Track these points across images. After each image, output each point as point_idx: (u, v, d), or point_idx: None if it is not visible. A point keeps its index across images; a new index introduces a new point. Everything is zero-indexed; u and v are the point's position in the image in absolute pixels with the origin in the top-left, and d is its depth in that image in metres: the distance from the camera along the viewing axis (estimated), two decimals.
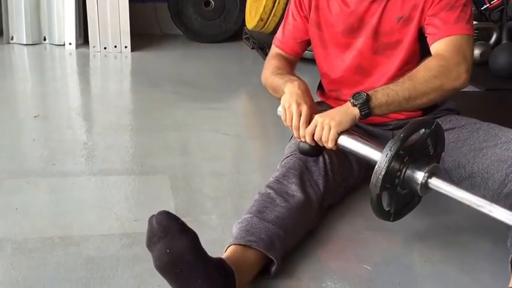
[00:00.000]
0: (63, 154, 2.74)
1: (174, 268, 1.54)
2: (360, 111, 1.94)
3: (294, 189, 2.00)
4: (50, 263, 1.84)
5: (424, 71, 2.00)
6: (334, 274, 1.88)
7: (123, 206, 2.27)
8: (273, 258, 1.78)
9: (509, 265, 1.75)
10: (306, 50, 2.48)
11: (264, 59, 2.47)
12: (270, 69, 2.32)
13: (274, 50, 2.48)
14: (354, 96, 1.95)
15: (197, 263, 1.56)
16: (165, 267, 1.56)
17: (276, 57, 2.41)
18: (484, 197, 1.76)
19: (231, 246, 1.77)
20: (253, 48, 5.57)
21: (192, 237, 1.59)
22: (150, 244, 1.58)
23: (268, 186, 2.02)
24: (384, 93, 1.96)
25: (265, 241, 1.79)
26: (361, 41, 2.26)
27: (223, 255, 1.73)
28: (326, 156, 2.14)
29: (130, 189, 2.44)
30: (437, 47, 2.08)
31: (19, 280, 1.74)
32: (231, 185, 2.53)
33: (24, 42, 5.24)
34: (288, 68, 2.34)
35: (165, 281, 1.72)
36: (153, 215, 1.59)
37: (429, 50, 2.11)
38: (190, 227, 1.62)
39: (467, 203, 1.74)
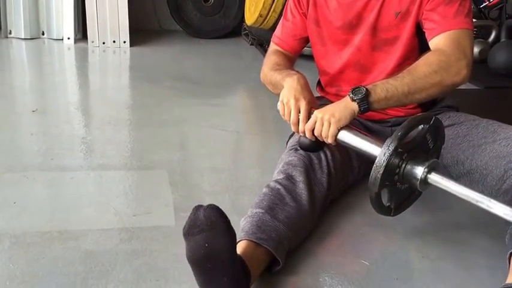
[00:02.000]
0: (62, 149, 2.74)
1: (207, 263, 1.54)
2: (359, 106, 1.93)
3: (301, 187, 2.00)
4: (48, 257, 1.84)
5: (424, 66, 1.99)
6: (332, 269, 1.89)
7: (121, 200, 2.27)
8: (279, 259, 1.78)
9: (507, 261, 1.76)
10: (304, 47, 2.48)
11: (263, 55, 2.47)
12: (269, 66, 2.32)
13: (273, 47, 2.48)
14: (353, 90, 1.95)
15: (229, 263, 1.56)
16: (198, 260, 1.55)
17: (275, 54, 2.41)
18: (482, 193, 1.76)
19: (242, 241, 1.77)
20: (252, 44, 5.57)
21: (232, 237, 1.58)
22: (189, 233, 1.56)
23: (278, 182, 2.01)
24: (383, 88, 1.95)
25: (275, 241, 1.79)
26: (360, 37, 2.25)
27: (237, 250, 1.71)
28: (328, 153, 2.14)
29: (128, 184, 2.43)
30: (436, 42, 2.07)
31: (17, 274, 1.74)
32: (230, 180, 2.53)
33: (23, 37, 5.23)
34: (287, 64, 2.34)
35: (163, 276, 1.74)
36: (200, 206, 1.58)
37: (427, 45, 2.11)
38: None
39: (467, 198, 1.74)
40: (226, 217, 1.58)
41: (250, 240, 1.76)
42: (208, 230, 1.53)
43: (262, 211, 1.87)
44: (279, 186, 1.99)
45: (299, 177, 2.03)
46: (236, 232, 1.78)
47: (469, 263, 1.96)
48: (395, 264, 1.94)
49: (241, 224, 1.86)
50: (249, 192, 2.32)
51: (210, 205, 1.58)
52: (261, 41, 5.34)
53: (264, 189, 2.00)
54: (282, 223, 1.85)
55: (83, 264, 1.81)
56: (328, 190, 2.12)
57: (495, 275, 1.86)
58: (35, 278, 1.73)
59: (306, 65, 2.99)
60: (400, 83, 1.96)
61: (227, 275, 1.55)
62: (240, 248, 1.74)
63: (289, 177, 2.03)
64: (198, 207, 1.58)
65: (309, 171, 2.07)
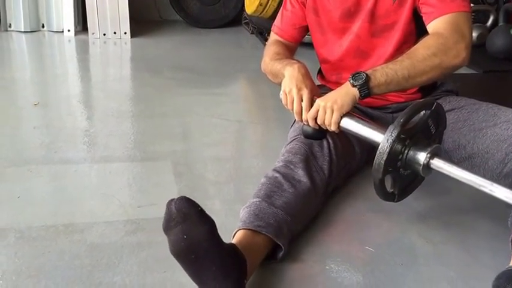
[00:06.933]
0: (65, 141, 2.74)
1: (190, 254, 1.54)
2: (360, 92, 1.94)
3: (300, 174, 2.01)
4: (54, 251, 1.84)
5: (423, 49, 1.99)
6: (337, 256, 1.89)
7: (126, 192, 2.28)
8: (280, 245, 1.79)
9: (510, 244, 1.76)
10: (305, 35, 2.48)
11: (264, 44, 2.47)
12: (269, 55, 2.33)
13: (273, 37, 2.49)
14: (353, 76, 1.95)
15: (213, 251, 1.55)
16: (181, 253, 1.55)
17: (275, 44, 2.41)
18: (484, 176, 1.76)
19: (240, 231, 1.77)
20: (252, 33, 5.57)
21: (210, 224, 1.58)
22: (167, 228, 1.56)
23: (276, 170, 2.02)
24: (383, 73, 1.95)
25: (274, 227, 1.79)
26: (358, 24, 2.26)
27: (233, 240, 1.73)
28: (330, 141, 2.15)
29: (132, 175, 2.44)
30: (434, 25, 2.06)
31: (23, 269, 1.75)
32: (233, 170, 2.54)
33: (23, 30, 5.23)
34: (287, 53, 2.35)
35: (170, 267, 1.74)
36: (172, 200, 1.57)
37: (425, 29, 2.10)
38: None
39: (469, 183, 1.75)
40: (197, 206, 1.57)
41: (248, 229, 1.77)
42: (183, 221, 1.53)
43: (259, 199, 1.88)
44: (276, 175, 1.99)
45: (298, 164, 2.03)
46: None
47: (472, 247, 1.97)
48: (400, 250, 1.95)
49: (240, 215, 1.87)
50: (253, 181, 2.32)
51: (180, 197, 1.57)
52: (261, 29, 5.34)
53: (262, 179, 2.00)
54: (280, 209, 1.85)
55: (89, 257, 1.81)
56: (330, 177, 2.12)
57: (498, 257, 1.87)
58: (41, 272, 1.73)
59: (306, 53, 2.99)
60: (400, 67, 1.96)
61: (214, 263, 1.54)
62: (236, 237, 1.75)
63: (288, 164, 2.04)
64: (170, 201, 1.57)
65: (309, 158, 2.08)
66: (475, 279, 1.80)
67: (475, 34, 4.94)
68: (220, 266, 1.55)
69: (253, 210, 1.84)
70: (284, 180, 1.97)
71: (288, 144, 2.19)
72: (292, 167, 2.03)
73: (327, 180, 2.10)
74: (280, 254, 1.81)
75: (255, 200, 1.89)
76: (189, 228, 1.53)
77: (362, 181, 2.34)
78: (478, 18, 5.29)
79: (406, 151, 1.81)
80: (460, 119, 2.17)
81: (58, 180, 2.38)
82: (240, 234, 1.77)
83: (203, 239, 1.54)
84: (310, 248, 1.92)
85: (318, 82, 2.47)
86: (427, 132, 1.89)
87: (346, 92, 1.96)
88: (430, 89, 2.33)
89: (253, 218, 1.80)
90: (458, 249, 1.96)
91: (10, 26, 5.26)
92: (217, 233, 1.60)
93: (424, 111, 1.86)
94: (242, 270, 1.61)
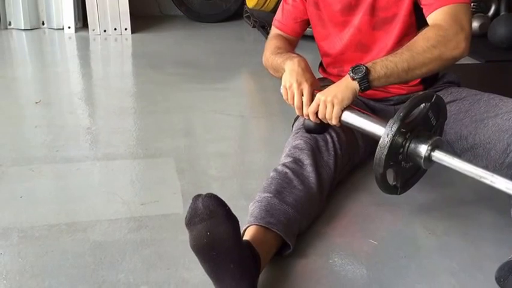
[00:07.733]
0: (67, 140, 2.74)
1: (211, 251, 1.53)
2: (360, 85, 1.94)
3: (309, 170, 2.00)
4: (57, 250, 1.84)
5: (423, 41, 1.98)
6: (341, 250, 1.89)
7: (128, 190, 2.27)
8: (289, 243, 1.79)
9: None
10: (305, 29, 2.49)
11: (265, 37, 2.47)
12: (270, 50, 2.33)
13: (274, 31, 2.49)
14: (353, 69, 1.95)
15: (234, 250, 1.55)
16: (202, 249, 1.54)
17: (276, 38, 2.42)
18: (486, 167, 1.77)
19: (252, 226, 1.77)
20: (254, 26, 5.56)
21: (234, 224, 1.57)
22: (190, 223, 1.55)
23: (285, 165, 2.01)
24: (382, 66, 1.95)
25: (284, 224, 1.79)
26: (359, 17, 2.25)
27: (246, 236, 1.73)
28: (334, 135, 2.14)
29: (135, 172, 2.44)
30: (434, 17, 2.05)
31: (27, 268, 1.75)
32: (236, 165, 2.54)
33: (23, 27, 5.21)
34: (288, 47, 2.35)
35: (173, 264, 1.75)
36: (199, 195, 1.57)
37: (425, 21, 2.10)
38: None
39: (470, 174, 1.75)
40: (225, 205, 1.57)
41: (260, 225, 1.76)
42: (208, 218, 1.53)
43: (270, 195, 1.87)
44: (286, 170, 1.99)
45: (306, 160, 2.03)
46: (244, 217, 1.79)
47: (475, 238, 1.97)
48: (403, 242, 1.95)
49: (249, 209, 1.86)
50: (257, 176, 2.33)
51: (208, 194, 1.57)
52: (262, 23, 5.33)
53: (272, 173, 1.99)
54: (290, 206, 1.85)
55: (92, 256, 1.81)
56: (335, 172, 2.12)
57: (501, 249, 1.87)
58: (44, 271, 1.74)
59: (308, 46, 2.98)
60: (400, 59, 1.96)
61: (233, 261, 1.54)
62: (249, 233, 1.74)
63: (297, 161, 2.03)
64: (197, 197, 1.57)
65: (315, 153, 2.07)
66: (478, 270, 1.80)
67: (476, 24, 4.95)
68: (238, 264, 1.55)
69: (264, 205, 1.83)
70: (294, 176, 1.96)
71: (292, 138, 2.18)
72: (300, 163, 2.02)
73: (333, 175, 2.10)
74: (287, 252, 1.81)
75: (265, 195, 1.88)
76: (214, 226, 1.53)
77: (365, 175, 2.34)
78: (479, 7, 5.28)
79: (407, 144, 1.82)
80: (461, 110, 2.17)
81: (60, 179, 2.38)
82: (252, 230, 1.76)
83: (227, 237, 1.54)
84: (314, 242, 1.92)
85: (319, 75, 2.48)
86: (427, 124, 1.89)
87: (346, 86, 1.96)
88: (431, 81, 2.33)
89: (264, 213, 1.80)
90: (462, 240, 1.96)
91: (10, 24, 5.25)
92: (240, 233, 1.60)
93: (424, 104, 1.86)
94: (257, 268, 1.62)
